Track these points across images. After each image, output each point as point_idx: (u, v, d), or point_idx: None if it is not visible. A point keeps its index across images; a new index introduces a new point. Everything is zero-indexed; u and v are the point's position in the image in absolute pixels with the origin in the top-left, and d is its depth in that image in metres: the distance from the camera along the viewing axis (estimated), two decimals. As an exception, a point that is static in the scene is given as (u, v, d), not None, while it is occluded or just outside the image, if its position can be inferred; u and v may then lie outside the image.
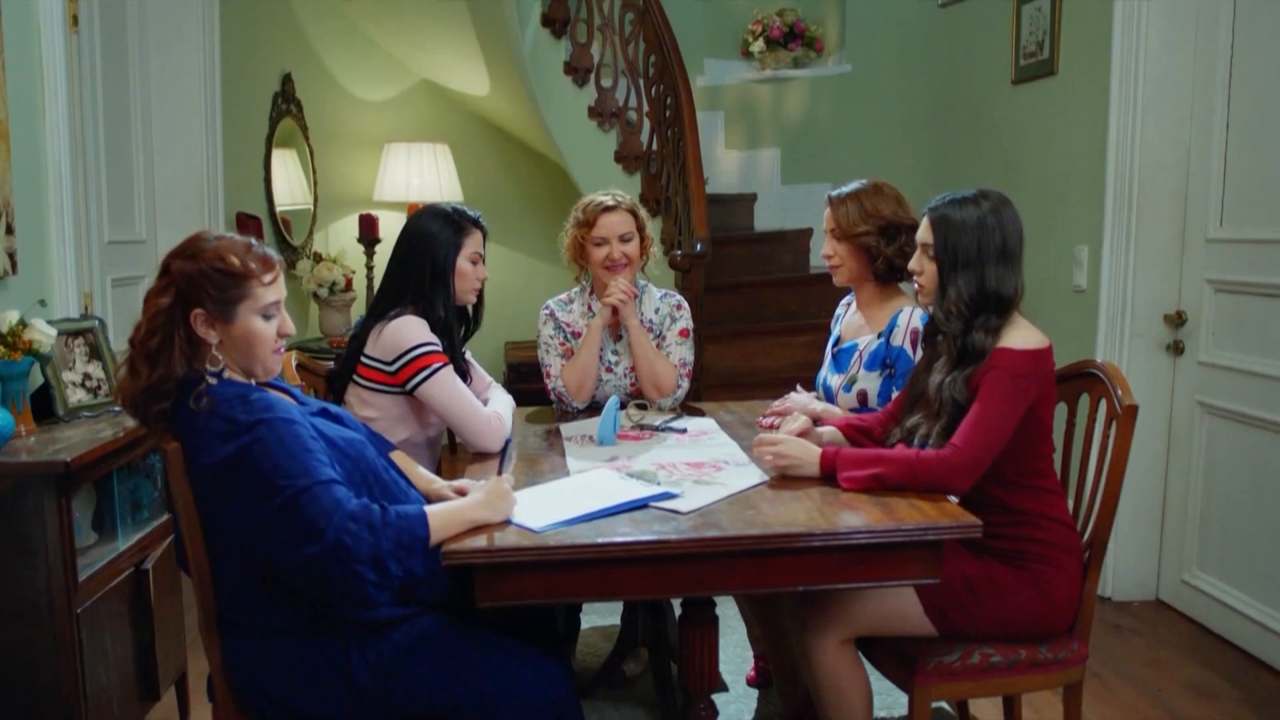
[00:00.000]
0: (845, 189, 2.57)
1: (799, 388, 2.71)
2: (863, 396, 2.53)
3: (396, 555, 1.74)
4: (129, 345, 1.80)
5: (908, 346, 2.48)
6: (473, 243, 2.57)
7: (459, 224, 2.56)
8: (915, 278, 2.21)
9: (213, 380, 1.79)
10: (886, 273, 2.54)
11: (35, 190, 2.82)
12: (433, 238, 2.53)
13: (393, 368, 2.44)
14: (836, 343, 2.68)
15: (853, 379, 2.56)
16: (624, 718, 2.75)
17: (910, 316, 2.49)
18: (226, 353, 1.81)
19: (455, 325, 2.59)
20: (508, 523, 1.87)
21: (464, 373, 2.63)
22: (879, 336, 2.54)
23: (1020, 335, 2.06)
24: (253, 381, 1.89)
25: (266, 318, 1.83)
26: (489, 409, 2.51)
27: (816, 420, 2.46)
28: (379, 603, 1.78)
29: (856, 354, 2.58)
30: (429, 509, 1.84)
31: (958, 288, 2.08)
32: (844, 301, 2.79)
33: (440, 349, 2.46)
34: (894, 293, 2.59)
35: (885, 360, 2.51)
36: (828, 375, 2.65)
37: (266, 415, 1.74)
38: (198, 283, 1.77)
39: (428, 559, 1.79)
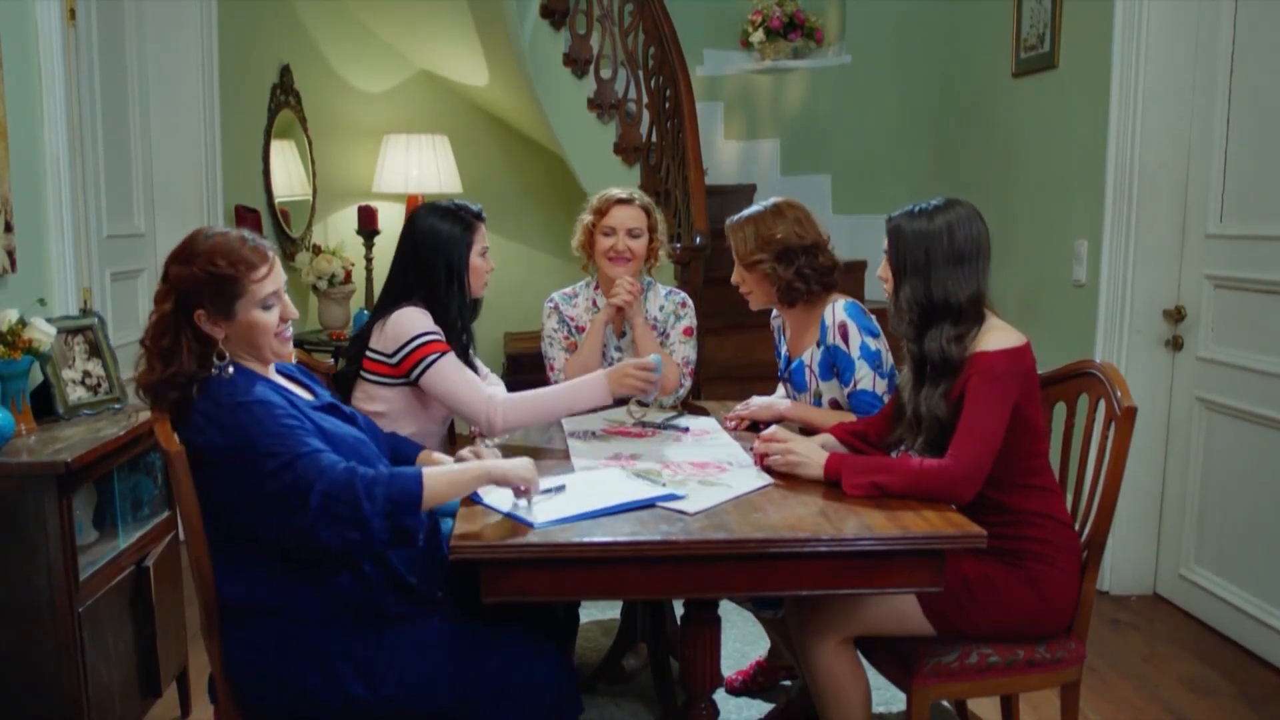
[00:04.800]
0: (743, 213, 2.57)
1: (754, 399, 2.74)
2: (834, 405, 2.55)
3: (387, 513, 1.78)
4: (140, 346, 1.87)
5: (839, 342, 2.49)
6: (480, 237, 2.57)
7: (466, 220, 2.54)
8: (884, 285, 2.22)
9: (223, 372, 1.86)
10: (789, 295, 2.53)
11: (34, 186, 2.81)
12: (443, 238, 2.50)
13: (394, 359, 2.44)
14: (787, 362, 2.69)
15: (817, 394, 2.58)
16: (623, 713, 2.76)
17: (833, 312, 2.50)
18: (233, 345, 1.88)
19: (469, 324, 2.59)
20: (510, 518, 1.88)
21: (470, 368, 2.63)
22: (819, 346, 2.55)
23: (994, 337, 2.06)
24: (269, 367, 1.95)
25: (266, 308, 1.89)
26: (489, 391, 2.45)
27: (780, 419, 2.51)
28: (366, 556, 1.85)
29: (806, 370, 2.59)
30: (441, 469, 1.89)
31: (905, 294, 2.11)
32: (775, 313, 2.78)
33: (441, 338, 2.45)
34: (809, 304, 2.57)
35: (833, 365, 2.52)
36: (795, 396, 2.66)
37: (244, 399, 1.80)
38: (194, 287, 1.83)
39: (417, 516, 1.82)
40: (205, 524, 1.84)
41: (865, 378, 2.46)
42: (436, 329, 2.45)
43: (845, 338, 2.47)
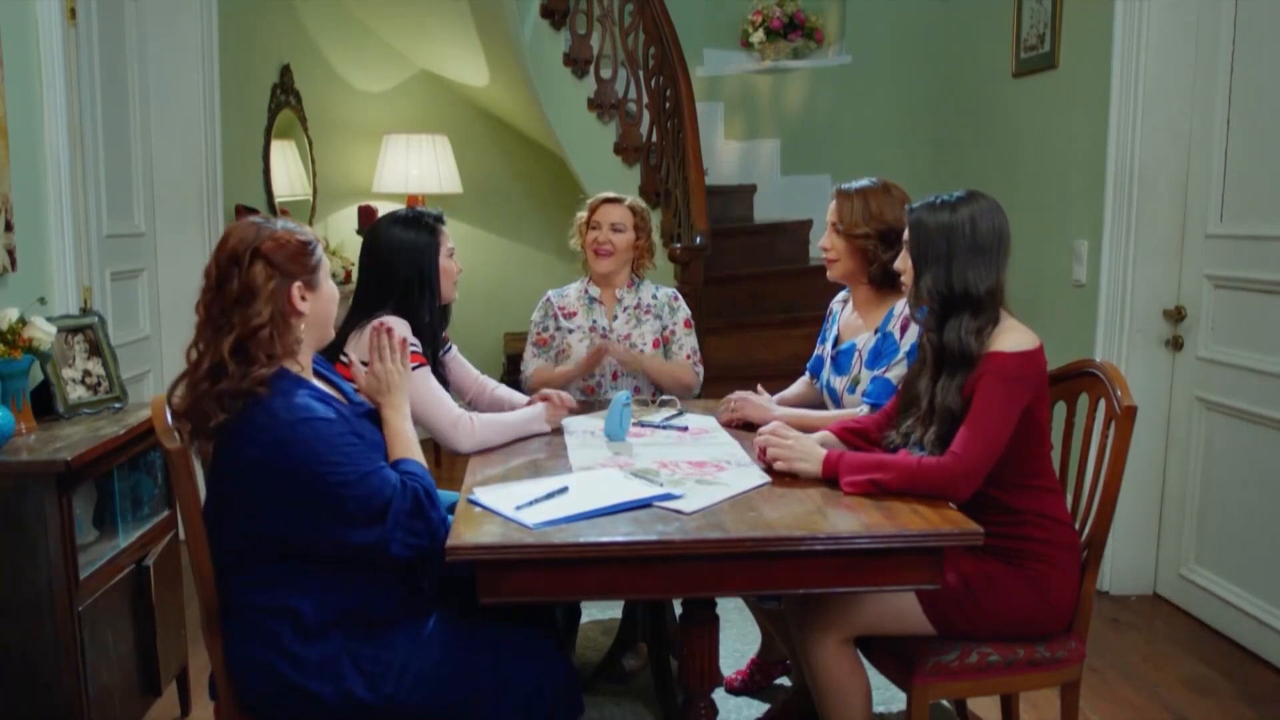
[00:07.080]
0: (855, 184, 2.55)
1: (759, 388, 2.74)
2: None
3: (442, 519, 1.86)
4: (232, 338, 1.77)
5: (896, 332, 2.48)
6: (444, 240, 2.61)
7: (430, 226, 2.58)
8: (901, 276, 2.22)
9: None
10: (880, 277, 2.53)
11: (34, 185, 2.81)
12: (410, 247, 2.53)
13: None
14: (836, 342, 2.68)
15: (855, 380, 2.55)
16: (623, 712, 2.76)
17: (905, 306, 2.50)
18: (308, 324, 1.87)
19: (440, 328, 2.64)
20: (507, 519, 1.87)
21: (443, 380, 2.66)
22: (876, 333, 2.54)
23: (1010, 338, 2.06)
24: (308, 366, 1.94)
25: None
26: (460, 411, 2.48)
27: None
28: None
29: (856, 354, 2.57)
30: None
31: (926, 283, 2.11)
32: (839, 298, 2.77)
33: (418, 349, 2.45)
34: (890, 292, 2.57)
35: (881, 354, 2.51)
36: (831, 377, 2.65)
37: (305, 415, 1.77)
38: (295, 258, 1.84)
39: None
40: (215, 525, 1.83)
41: (896, 372, 2.45)
42: (414, 340, 2.46)
43: (903, 331, 2.47)
